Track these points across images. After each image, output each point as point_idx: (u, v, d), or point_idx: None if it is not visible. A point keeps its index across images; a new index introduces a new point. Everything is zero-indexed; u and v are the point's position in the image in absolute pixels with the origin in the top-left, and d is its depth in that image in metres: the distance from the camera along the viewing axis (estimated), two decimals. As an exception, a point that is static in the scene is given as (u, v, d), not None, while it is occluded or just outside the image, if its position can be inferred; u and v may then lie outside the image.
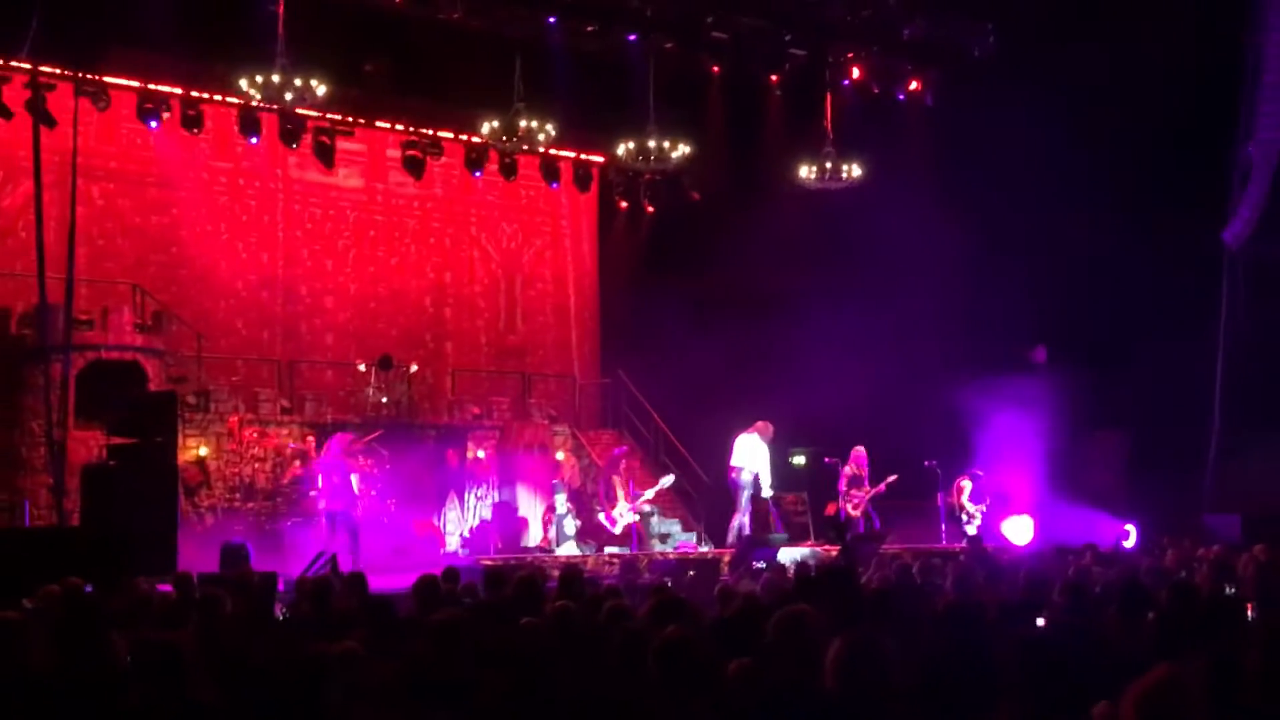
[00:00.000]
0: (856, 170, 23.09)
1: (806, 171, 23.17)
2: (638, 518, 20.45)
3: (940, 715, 4.66)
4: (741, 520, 19.90)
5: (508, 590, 9.78)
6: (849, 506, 20.52)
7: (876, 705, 4.77)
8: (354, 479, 18.60)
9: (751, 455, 19.99)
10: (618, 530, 20.20)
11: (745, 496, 19.95)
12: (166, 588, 11.14)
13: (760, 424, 20.10)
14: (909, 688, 4.80)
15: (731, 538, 19.77)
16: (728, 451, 20.17)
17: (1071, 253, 20.95)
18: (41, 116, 18.61)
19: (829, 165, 23.05)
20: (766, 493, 20.12)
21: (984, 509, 20.53)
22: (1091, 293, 21.45)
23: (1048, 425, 20.59)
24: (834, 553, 17.85)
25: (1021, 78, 20.82)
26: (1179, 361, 20.89)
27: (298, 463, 20.36)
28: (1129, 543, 18.84)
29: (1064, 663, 4.70)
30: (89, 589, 10.37)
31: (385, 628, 7.86)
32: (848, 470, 20.63)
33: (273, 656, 6.85)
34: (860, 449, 20.64)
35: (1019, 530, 20.40)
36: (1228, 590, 9.74)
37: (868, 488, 20.54)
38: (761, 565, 15.42)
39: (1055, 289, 20.99)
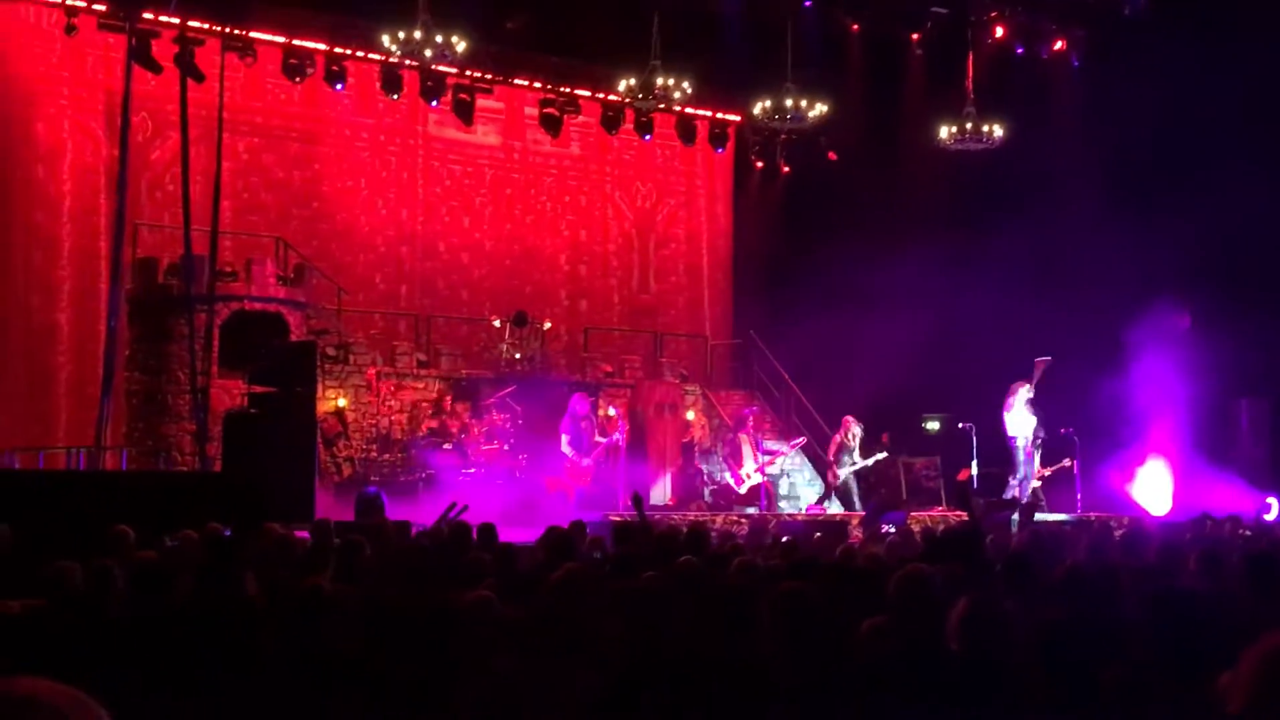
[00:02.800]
0: (998, 131, 22.66)
1: (946, 132, 22.79)
2: (765, 479, 20.44)
3: (1059, 678, 4.61)
4: (1020, 484, 19.96)
5: (635, 545, 9.85)
6: (830, 475, 20.51)
7: (999, 667, 4.74)
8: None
9: (1015, 418, 19.99)
10: (743, 490, 20.20)
11: (1021, 462, 20.02)
12: (304, 534, 11.37)
13: (1014, 385, 20.04)
14: (1032, 650, 4.75)
15: (1011, 494, 19.82)
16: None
17: (1222, 217, 20.38)
18: (189, 71, 19.03)
19: (969, 126, 22.66)
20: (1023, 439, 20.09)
21: (1024, 481, 20.17)
22: (1241, 256, 20.84)
23: (1190, 392, 20.15)
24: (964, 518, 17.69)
25: (1174, 38, 20.24)
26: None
27: (431, 417, 20.63)
28: (1270, 515, 18.39)
29: (1192, 621, 4.62)
30: (228, 533, 10.65)
31: (513, 578, 7.96)
32: (837, 438, 20.54)
33: (407, 604, 6.98)
34: (849, 417, 20.53)
35: (1156, 498, 20.03)
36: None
37: (858, 457, 20.44)
38: (890, 529, 15.34)
39: (1204, 253, 20.44)
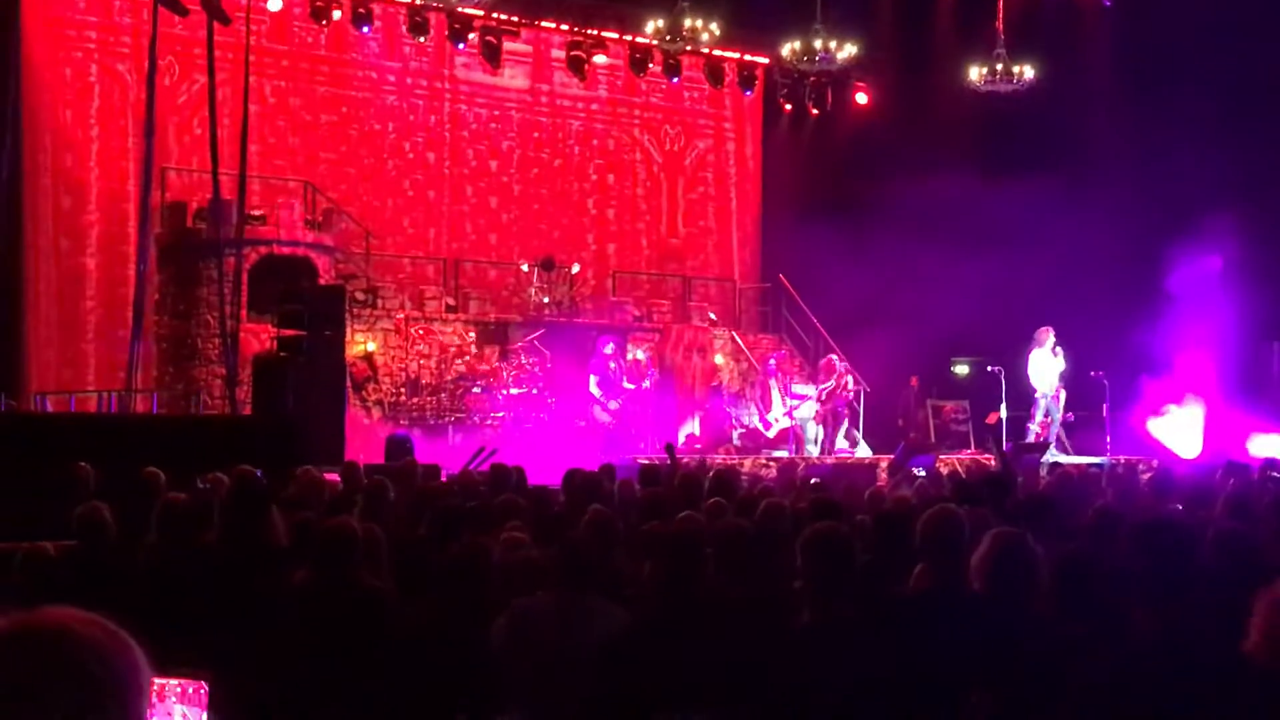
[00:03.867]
0: (1029, 72, 22.43)
1: (977, 74, 22.58)
2: (793, 422, 20.45)
3: (1085, 615, 4.61)
4: (1049, 431, 19.90)
5: (662, 487, 9.89)
6: (816, 420, 20.44)
7: (1023, 606, 4.75)
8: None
9: (1037, 369, 19.92)
10: (771, 434, 20.23)
11: (1041, 409, 19.94)
12: (334, 477, 11.45)
13: (1039, 331, 19.94)
14: (1056, 587, 4.75)
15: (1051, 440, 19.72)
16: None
17: (1253, 160, 20.17)
18: (215, 13, 18.97)
19: (1000, 67, 22.44)
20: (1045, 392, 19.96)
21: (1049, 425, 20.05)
22: (1269, 198, 20.64)
23: (1223, 335, 20.03)
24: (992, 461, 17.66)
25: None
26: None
27: (459, 361, 20.71)
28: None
29: (1192, 553, 4.62)
30: (260, 475, 10.72)
31: (544, 521, 8.01)
32: (822, 381, 20.48)
33: (439, 543, 7.04)
34: (830, 358, 20.46)
35: (1182, 436, 19.95)
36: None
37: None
38: (920, 472, 15.34)
39: (1241, 192, 20.22)
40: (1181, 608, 4.27)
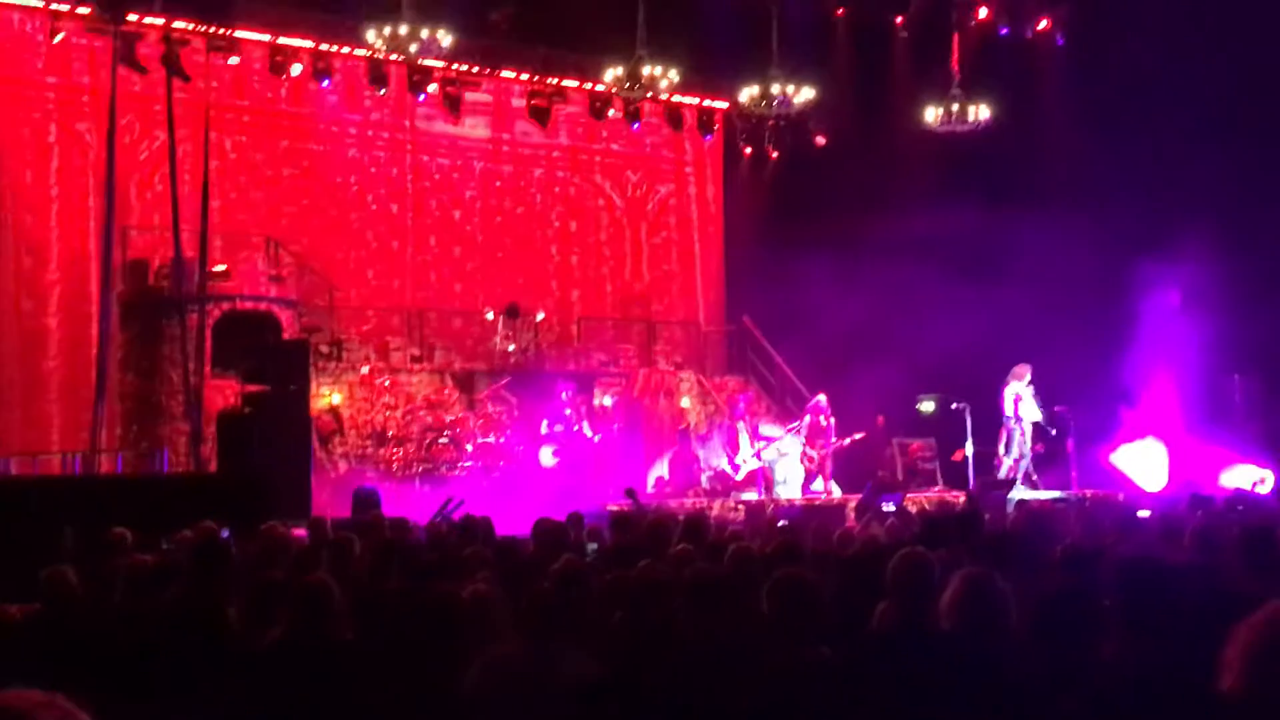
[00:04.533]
0: (985, 112, 22.66)
1: (933, 114, 22.80)
2: (762, 464, 20.47)
3: (1053, 655, 4.63)
4: (1018, 465, 20.06)
5: (632, 535, 9.87)
6: (808, 461, 20.49)
7: (992, 645, 4.76)
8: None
9: (1014, 400, 20.07)
10: (740, 476, 20.23)
11: (1017, 442, 20.07)
12: (301, 533, 11.39)
13: (1018, 367, 20.05)
14: (1025, 628, 4.77)
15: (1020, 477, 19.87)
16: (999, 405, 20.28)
17: (1211, 192, 20.40)
18: (175, 71, 18.99)
19: (956, 108, 22.65)
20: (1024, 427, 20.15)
21: (1020, 461, 20.18)
22: (1233, 230, 20.85)
23: (1185, 368, 20.18)
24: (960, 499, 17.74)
25: (1157, 13, 20.25)
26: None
27: (426, 412, 20.67)
28: (1265, 489, 18.43)
29: (1163, 586, 4.64)
30: (225, 533, 10.66)
31: (512, 571, 7.98)
32: (808, 421, 20.55)
33: (405, 597, 7.00)
34: (819, 399, 20.56)
35: (1145, 469, 20.06)
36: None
37: (834, 440, 20.47)
38: (890, 507, 15.41)
39: (1195, 229, 20.45)
40: (1155, 643, 4.29)
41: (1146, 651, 4.29)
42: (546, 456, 19.73)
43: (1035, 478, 20.24)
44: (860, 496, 18.54)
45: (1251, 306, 19.71)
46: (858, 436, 20.68)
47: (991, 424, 20.51)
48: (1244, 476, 18.60)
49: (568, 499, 18.51)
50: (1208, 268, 19.60)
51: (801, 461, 20.84)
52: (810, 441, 20.69)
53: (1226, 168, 20.28)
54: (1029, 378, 20.01)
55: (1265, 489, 18.44)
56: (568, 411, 20.03)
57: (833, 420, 20.72)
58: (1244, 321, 19.83)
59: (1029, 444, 20.16)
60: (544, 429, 19.90)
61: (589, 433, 19.94)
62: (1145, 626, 4.41)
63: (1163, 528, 9.38)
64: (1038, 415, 20.06)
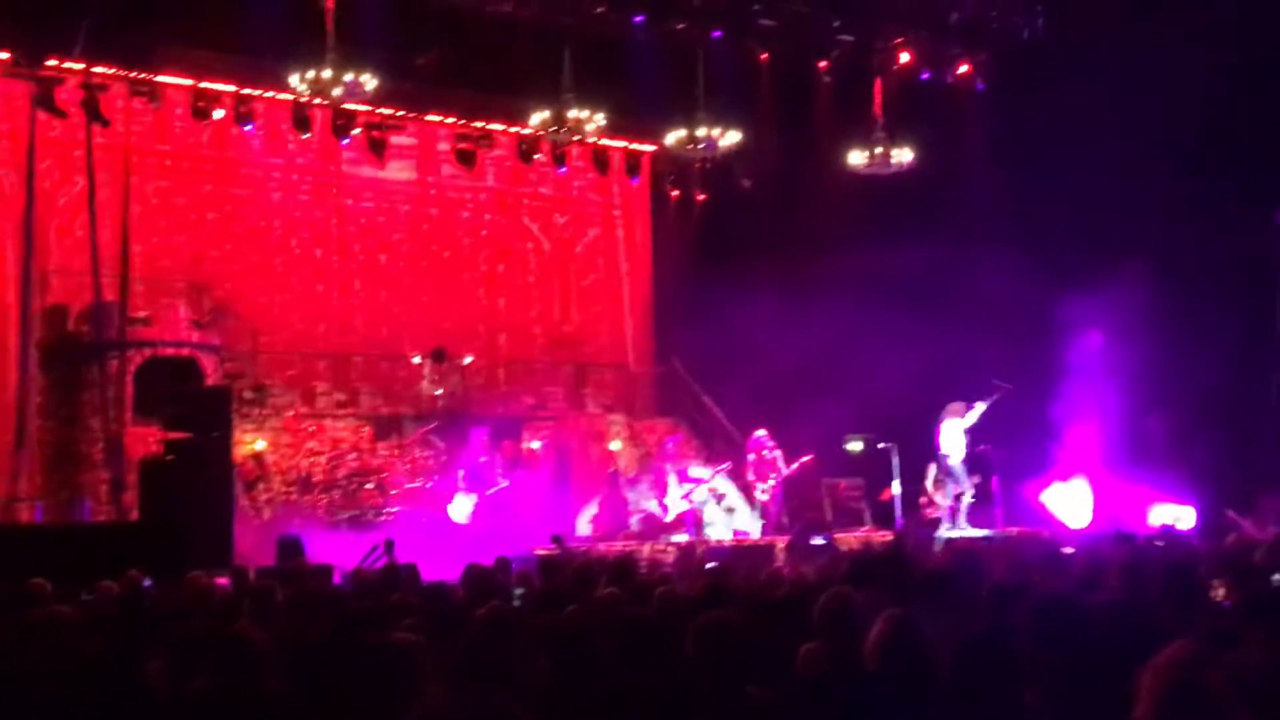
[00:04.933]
0: (907, 155, 22.93)
1: (857, 157, 23.03)
2: (691, 505, 20.45)
3: (978, 696, 4.64)
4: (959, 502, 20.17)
5: (561, 579, 9.82)
6: (760, 495, 20.60)
7: (917, 685, 4.76)
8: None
9: (951, 437, 20.18)
10: (669, 519, 20.21)
11: (963, 478, 20.18)
12: (224, 581, 11.25)
13: (952, 405, 20.17)
14: (950, 668, 4.78)
15: (961, 518, 19.96)
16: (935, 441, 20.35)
17: (1134, 232, 20.74)
18: (95, 116, 18.82)
19: (879, 150, 22.90)
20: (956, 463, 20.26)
21: (947, 499, 20.37)
22: (1147, 273, 21.21)
23: (1106, 407, 20.41)
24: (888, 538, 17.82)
25: (1072, 59, 20.61)
26: (1239, 341, 20.70)
27: (352, 457, 20.51)
28: (1186, 525, 18.64)
29: (1084, 630, 4.67)
30: (148, 583, 10.50)
31: (439, 618, 7.90)
32: (752, 459, 20.68)
33: (331, 645, 6.91)
34: (759, 434, 20.68)
35: (1071, 507, 20.25)
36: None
37: (780, 471, 20.59)
38: (821, 541, 15.50)
39: (1111, 270, 20.78)
40: (1072, 686, 4.31)
41: (1062, 697, 4.30)
42: (460, 510, 19.51)
43: (963, 516, 20.40)
44: (790, 537, 18.63)
45: (1173, 345, 20.02)
46: (805, 460, 20.73)
47: (919, 463, 20.63)
48: (1165, 514, 18.81)
49: (495, 544, 18.42)
50: (1130, 306, 19.88)
51: (753, 499, 20.83)
52: (760, 476, 20.70)
53: (1149, 207, 20.65)
54: (966, 415, 20.16)
55: (1185, 526, 18.64)
56: (483, 458, 19.86)
57: (777, 452, 20.76)
58: (1165, 360, 20.13)
59: (965, 481, 20.26)
60: (460, 479, 19.70)
61: (502, 481, 19.70)
62: (1061, 671, 4.43)
63: (1087, 565, 9.46)
64: (956, 452, 20.18)
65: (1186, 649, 3.67)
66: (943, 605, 6.75)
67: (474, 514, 19.42)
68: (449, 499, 19.74)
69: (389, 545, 14.86)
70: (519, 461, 20.86)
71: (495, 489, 19.55)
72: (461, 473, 19.68)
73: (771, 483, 20.69)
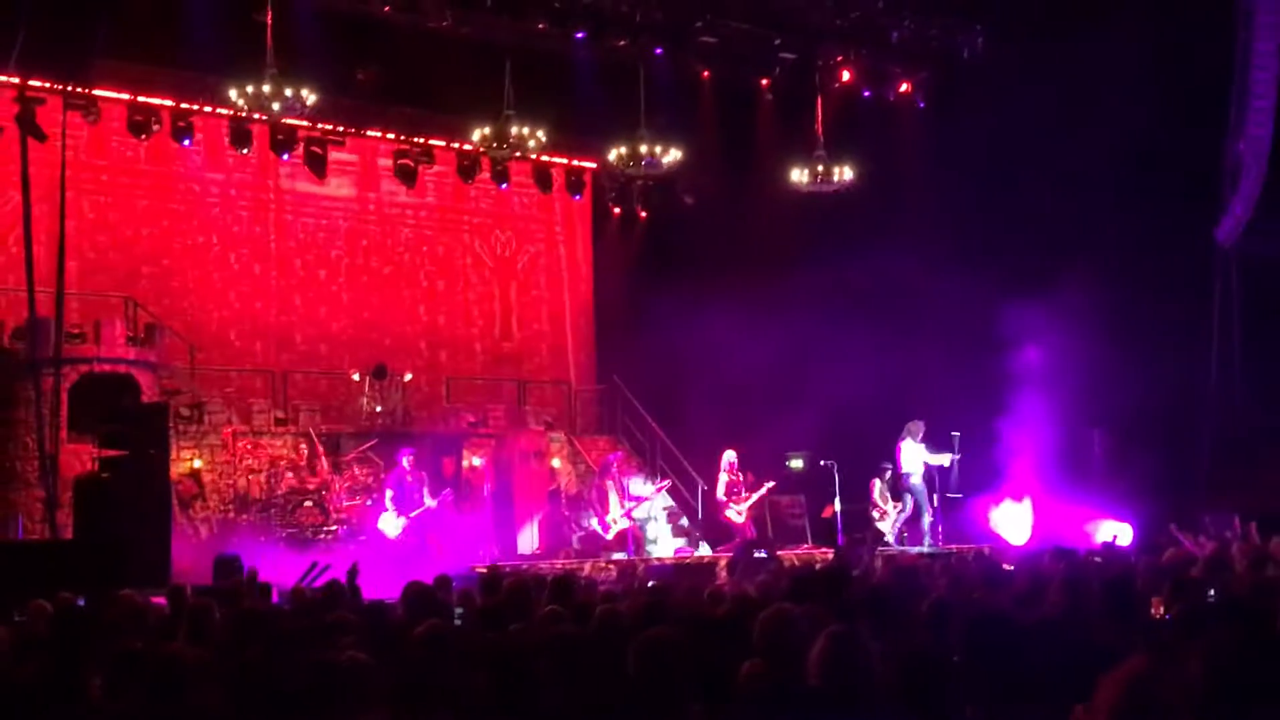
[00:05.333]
0: (849, 173, 23.04)
1: (798, 175, 23.11)
2: (632, 523, 20.43)
3: (919, 712, 4.65)
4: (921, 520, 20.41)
5: (501, 596, 9.75)
6: (732, 515, 20.64)
7: (859, 702, 4.76)
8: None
9: (912, 457, 20.33)
10: (610, 536, 20.17)
11: (923, 496, 20.37)
12: (161, 600, 11.10)
13: (911, 424, 20.34)
14: (891, 685, 4.78)
15: (928, 540, 20.11)
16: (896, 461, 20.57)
17: (1065, 252, 20.91)
18: (30, 130, 18.60)
19: (820, 168, 23.00)
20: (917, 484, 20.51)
21: (899, 509, 20.58)
22: (1086, 290, 21.41)
23: (1046, 425, 20.57)
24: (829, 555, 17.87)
25: (1012, 78, 20.79)
26: (1176, 359, 20.94)
27: (290, 475, 20.32)
28: (1124, 540, 18.81)
29: (1023, 645, 4.69)
30: (81, 602, 10.34)
31: (378, 636, 7.83)
32: (723, 478, 20.73)
33: (268, 665, 6.83)
34: (729, 455, 20.74)
35: (1014, 525, 20.40)
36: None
37: (747, 494, 20.65)
38: (763, 555, 15.49)
39: (1051, 287, 20.96)
40: (1010, 700, 4.32)
41: (1001, 712, 4.31)
42: (390, 525, 19.37)
43: (906, 534, 20.55)
44: (731, 555, 18.61)
45: (1112, 362, 20.20)
46: (770, 485, 20.77)
47: (862, 480, 20.75)
48: (1103, 530, 18.97)
49: (436, 562, 18.30)
50: (1068, 322, 20.05)
51: (726, 518, 20.80)
52: (731, 498, 20.69)
53: (1089, 224, 20.86)
54: (920, 434, 20.32)
55: (1123, 542, 18.80)
56: (409, 478, 19.71)
57: (742, 475, 20.78)
58: (1105, 376, 20.32)
59: (925, 501, 20.39)
60: (388, 499, 19.55)
61: (429, 501, 19.54)
62: (1000, 685, 4.45)
63: (1027, 581, 9.51)
64: (916, 470, 20.32)
65: (1141, 663, 3.69)
66: (884, 622, 6.77)
67: (403, 531, 19.30)
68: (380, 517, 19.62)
69: (352, 571, 14.60)
70: (458, 479, 20.73)
71: (418, 511, 19.39)
72: (390, 493, 19.54)
73: (747, 505, 20.67)
